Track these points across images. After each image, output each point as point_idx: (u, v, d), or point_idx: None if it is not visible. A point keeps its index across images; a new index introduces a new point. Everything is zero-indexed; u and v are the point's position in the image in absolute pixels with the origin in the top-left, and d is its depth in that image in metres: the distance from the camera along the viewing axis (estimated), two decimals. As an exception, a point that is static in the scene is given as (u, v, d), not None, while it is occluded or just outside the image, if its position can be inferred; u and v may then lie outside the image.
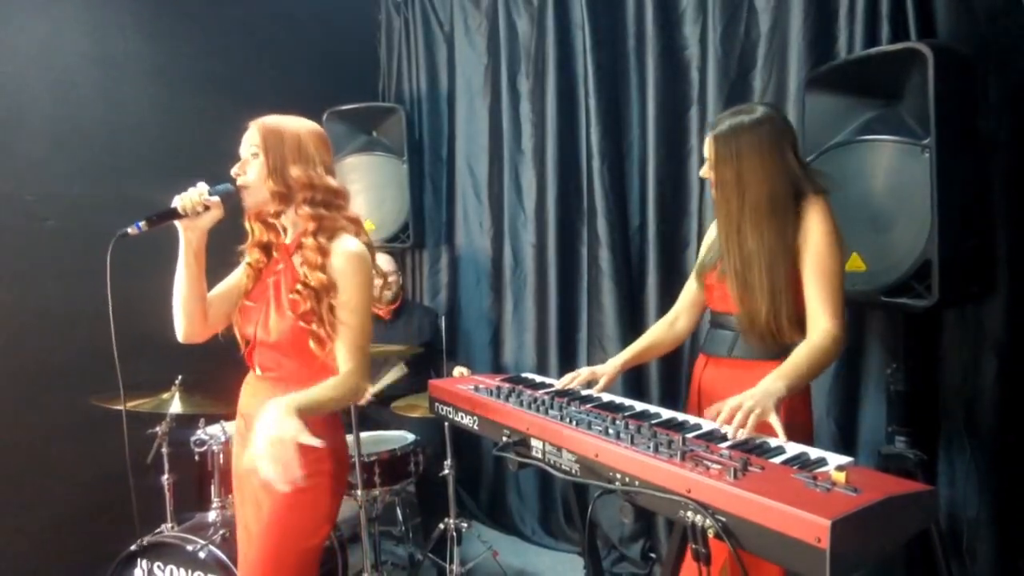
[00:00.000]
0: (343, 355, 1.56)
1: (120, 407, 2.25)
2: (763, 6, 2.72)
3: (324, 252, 1.57)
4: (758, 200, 1.68)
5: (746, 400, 1.43)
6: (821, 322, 1.61)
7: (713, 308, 1.88)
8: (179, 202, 1.55)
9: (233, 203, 1.61)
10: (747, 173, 1.68)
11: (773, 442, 1.38)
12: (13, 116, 2.59)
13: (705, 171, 1.81)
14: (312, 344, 1.56)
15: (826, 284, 1.63)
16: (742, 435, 1.39)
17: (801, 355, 1.57)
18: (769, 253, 1.67)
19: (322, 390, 1.51)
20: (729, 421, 1.41)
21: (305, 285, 1.55)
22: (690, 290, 1.99)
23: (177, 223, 1.57)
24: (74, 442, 2.69)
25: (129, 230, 1.53)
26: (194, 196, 1.55)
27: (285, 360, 1.62)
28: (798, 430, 1.65)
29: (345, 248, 1.58)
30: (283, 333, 1.59)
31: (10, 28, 2.58)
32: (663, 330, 2.01)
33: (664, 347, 2.03)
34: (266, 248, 1.72)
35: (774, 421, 1.40)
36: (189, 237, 1.58)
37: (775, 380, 1.49)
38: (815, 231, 1.66)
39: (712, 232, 1.91)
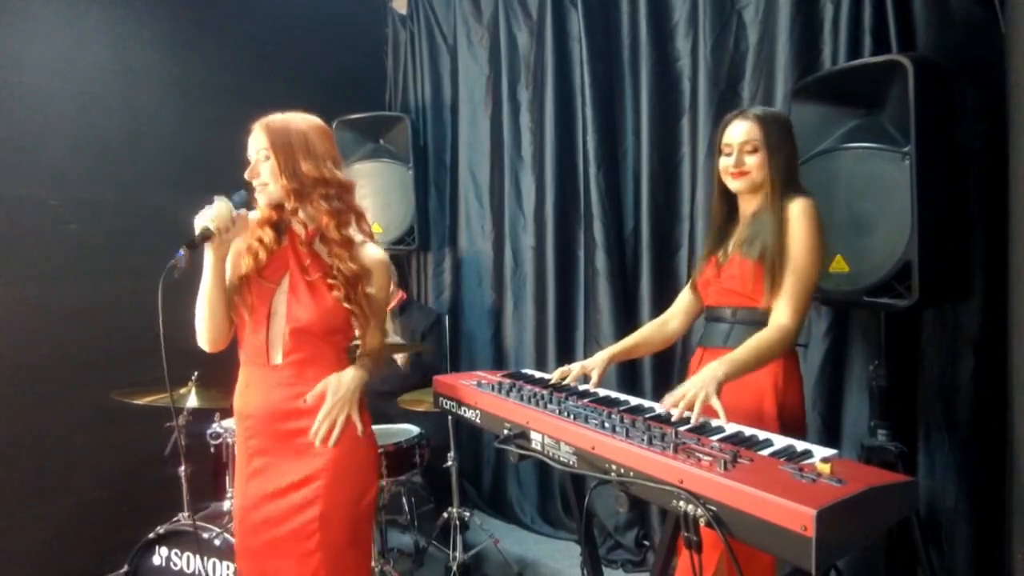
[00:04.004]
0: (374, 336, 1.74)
1: (139, 401, 2.27)
2: (751, 19, 2.73)
3: (350, 243, 1.64)
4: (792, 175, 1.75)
5: (690, 388, 1.46)
6: (780, 316, 1.63)
7: (709, 304, 1.87)
8: (212, 223, 1.52)
9: (248, 204, 1.63)
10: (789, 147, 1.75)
11: (761, 435, 1.39)
12: (38, 124, 2.59)
13: (739, 157, 1.74)
14: (355, 323, 1.67)
15: (793, 280, 1.64)
16: (688, 416, 1.44)
17: (748, 346, 1.59)
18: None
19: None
20: (678, 407, 1.45)
21: (340, 272, 1.61)
22: (684, 298, 1.99)
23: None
24: (95, 435, 2.69)
25: (175, 262, 1.49)
26: (223, 214, 1.54)
27: (317, 342, 1.63)
28: (792, 424, 1.66)
29: (371, 252, 1.69)
30: (320, 316, 1.61)
31: (36, 41, 2.59)
32: (654, 330, 2.01)
33: (653, 346, 2.03)
34: (275, 226, 1.68)
35: (715, 404, 1.43)
36: (220, 252, 1.58)
37: (717, 366, 1.51)
38: (799, 227, 1.66)
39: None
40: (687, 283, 2.01)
